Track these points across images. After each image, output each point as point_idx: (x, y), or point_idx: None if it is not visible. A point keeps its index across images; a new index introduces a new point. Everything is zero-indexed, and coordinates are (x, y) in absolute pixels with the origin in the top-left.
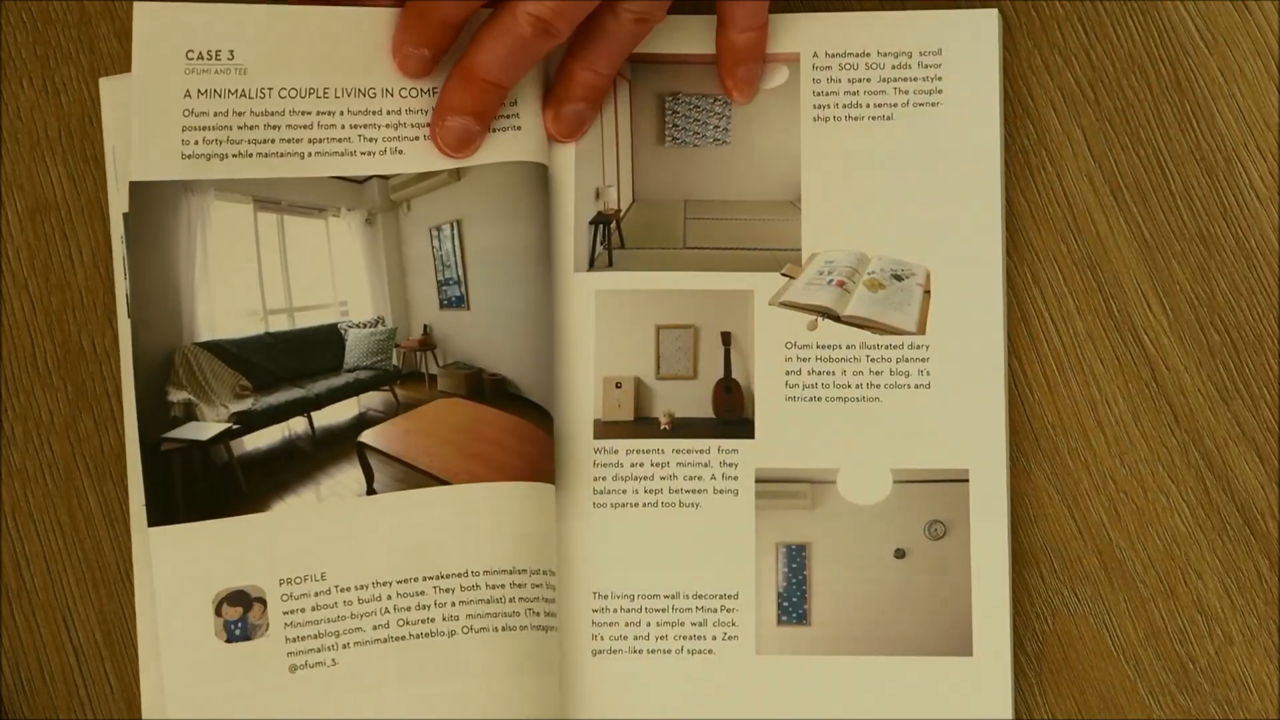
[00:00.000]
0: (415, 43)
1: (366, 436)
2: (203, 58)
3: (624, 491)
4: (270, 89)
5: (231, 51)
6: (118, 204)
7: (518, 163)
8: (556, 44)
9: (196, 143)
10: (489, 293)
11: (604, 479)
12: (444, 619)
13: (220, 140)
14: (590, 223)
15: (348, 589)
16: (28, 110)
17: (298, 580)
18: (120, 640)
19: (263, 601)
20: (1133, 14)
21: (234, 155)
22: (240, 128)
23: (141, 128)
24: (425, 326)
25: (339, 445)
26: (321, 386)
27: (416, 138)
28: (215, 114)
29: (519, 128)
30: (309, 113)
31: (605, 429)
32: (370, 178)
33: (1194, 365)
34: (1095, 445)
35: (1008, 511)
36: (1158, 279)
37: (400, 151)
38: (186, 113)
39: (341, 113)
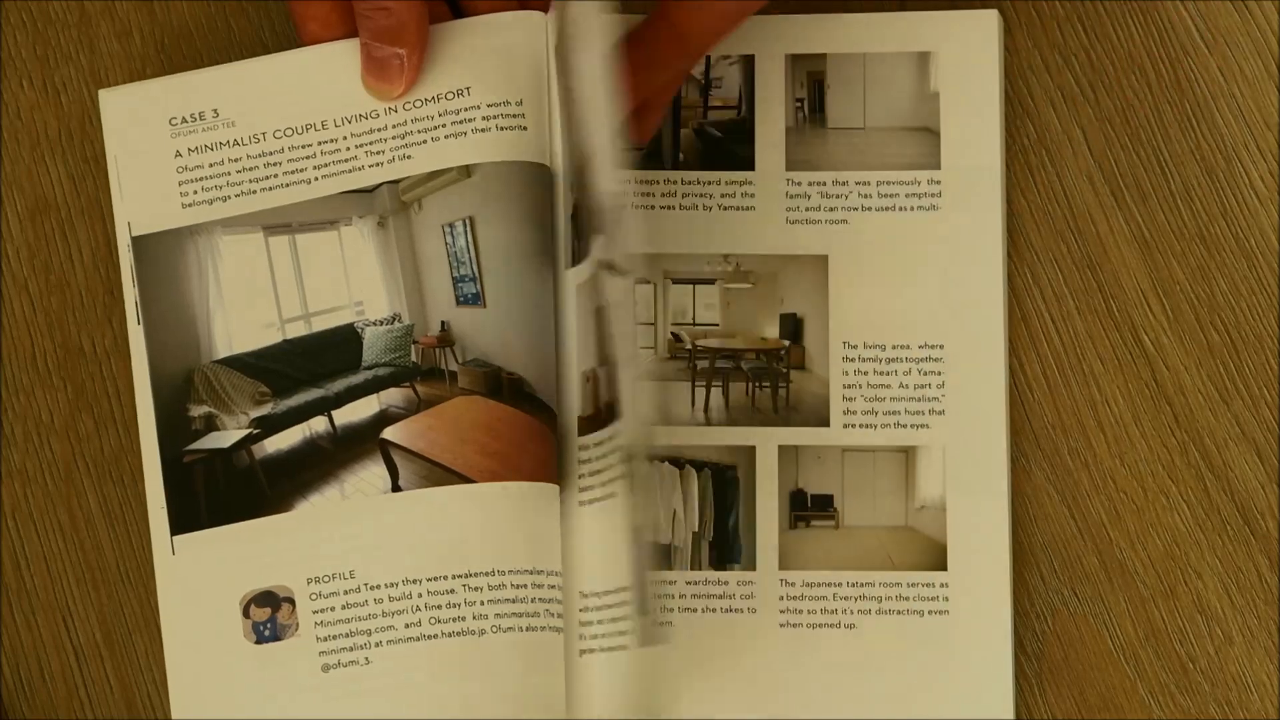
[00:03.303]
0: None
1: (389, 433)
2: (187, 120)
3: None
4: (264, 133)
5: (215, 110)
6: (122, 214)
7: (522, 163)
8: None
9: (195, 192)
10: (501, 291)
11: (583, 475)
12: (474, 618)
13: (220, 185)
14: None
15: (378, 587)
16: (28, 110)
17: (326, 579)
18: (120, 640)
19: (291, 601)
20: (1133, 14)
21: (237, 195)
22: (240, 171)
23: (134, 192)
24: (443, 323)
25: (361, 444)
26: (341, 385)
27: (424, 141)
28: (211, 165)
29: (525, 128)
30: (309, 144)
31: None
32: (380, 185)
33: (1194, 365)
34: (1095, 445)
35: (1008, 511)
36: (1158, 279)
37: (409, 157)
38: (180, 169)
39: (345, 137)
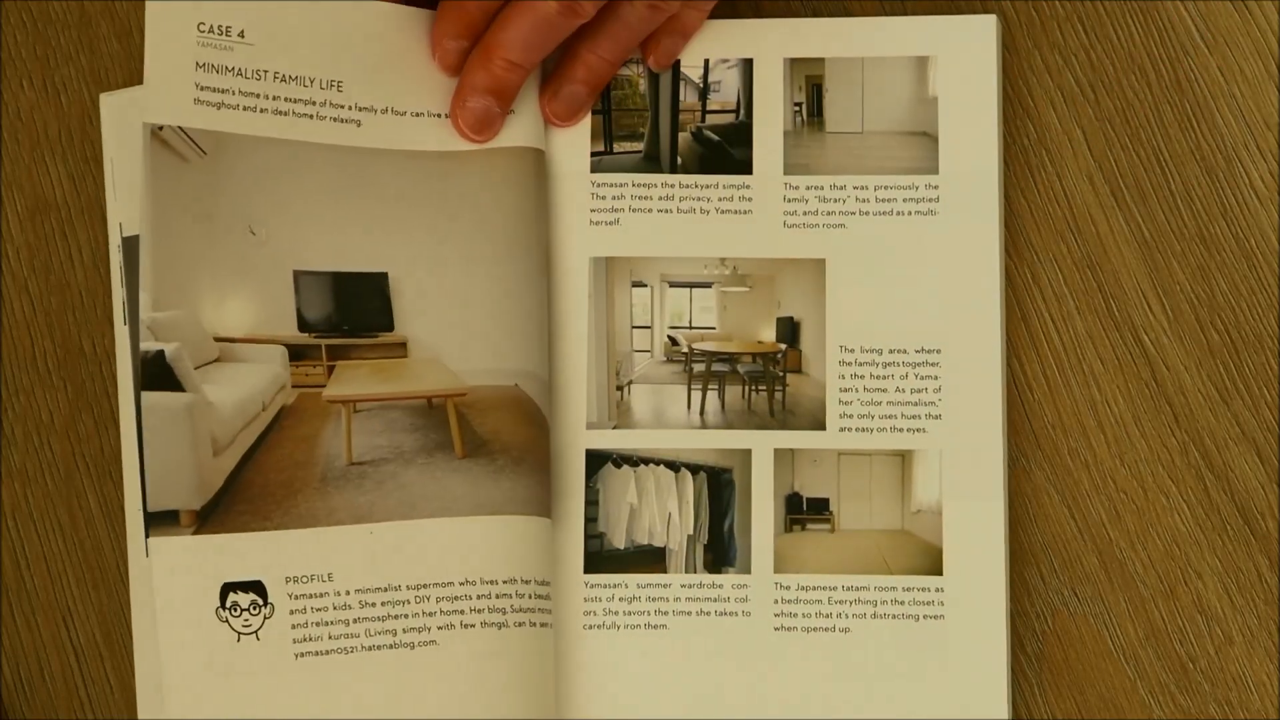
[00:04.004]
0: (453, 34)
1: None
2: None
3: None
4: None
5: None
6: (115, 213)
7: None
8: (580, 23)
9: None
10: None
11: None
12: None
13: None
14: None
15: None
16: (28, 110)
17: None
18: (120, 640)
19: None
20: (1133, 14)
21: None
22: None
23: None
24: None
25: None
26: None
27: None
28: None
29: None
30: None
31: None
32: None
33: (1194, 365)
34: (1095, 445)
35: (1004, 517)
36: (1158, 279)
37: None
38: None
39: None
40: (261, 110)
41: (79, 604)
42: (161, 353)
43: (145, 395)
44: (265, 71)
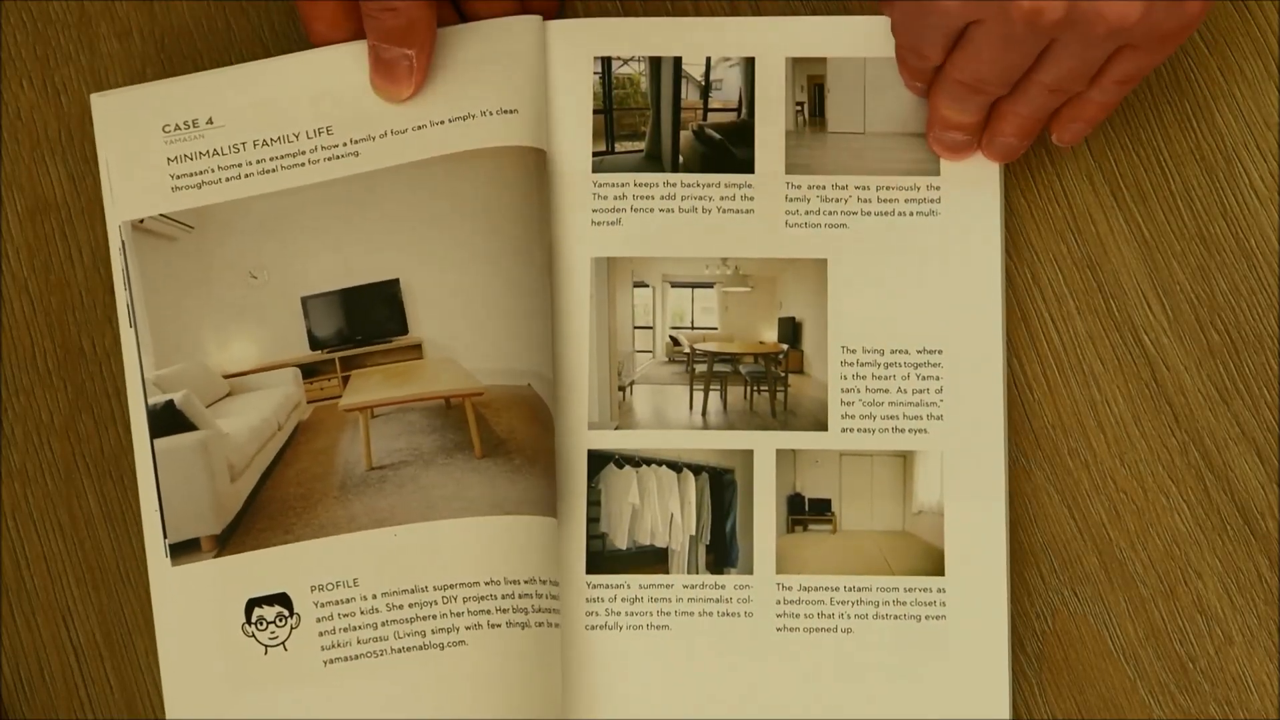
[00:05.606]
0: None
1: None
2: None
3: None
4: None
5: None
6: (114, 215)
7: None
8: (992, 99)
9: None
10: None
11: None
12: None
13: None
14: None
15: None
16: (28, 110)
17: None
18: (120, 640)
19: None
20: None
21: (227, 180)
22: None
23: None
24: None
25: None
26: None
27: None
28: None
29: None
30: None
31: None
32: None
33: (1194, 365)
34: (1095, 445)
35: (1006, 511)
36: (1158, 279)
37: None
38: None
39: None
40: (246, 176)
41: (79, 604)
42: (170, 402)
43: (158, 441)
44: (243, 143)
